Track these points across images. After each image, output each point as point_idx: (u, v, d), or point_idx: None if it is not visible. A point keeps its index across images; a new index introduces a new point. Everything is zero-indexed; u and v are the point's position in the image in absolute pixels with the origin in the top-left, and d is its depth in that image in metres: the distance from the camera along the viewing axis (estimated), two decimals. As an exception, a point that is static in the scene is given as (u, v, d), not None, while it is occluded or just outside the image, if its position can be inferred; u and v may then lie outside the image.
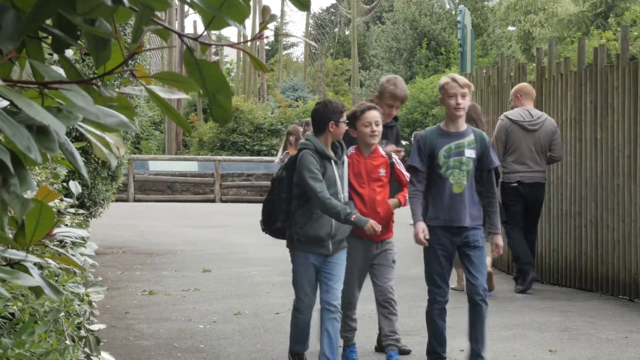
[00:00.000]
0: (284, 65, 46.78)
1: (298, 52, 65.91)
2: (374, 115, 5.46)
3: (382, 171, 5.53)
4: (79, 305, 3.50)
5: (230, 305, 7.73)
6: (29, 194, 1.28)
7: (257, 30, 1.35)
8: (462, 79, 5.34)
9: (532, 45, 29.23)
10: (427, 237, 5.24)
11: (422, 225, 5.28)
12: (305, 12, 45.82)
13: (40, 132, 1.11)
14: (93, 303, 3.69)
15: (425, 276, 5.46)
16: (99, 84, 1.26)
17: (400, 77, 6.29)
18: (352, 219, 5.09)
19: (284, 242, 9.35)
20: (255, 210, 13.83)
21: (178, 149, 30.23)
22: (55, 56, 1.33)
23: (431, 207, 5.33)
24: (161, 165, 24.72)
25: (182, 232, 14.74)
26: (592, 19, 27.95)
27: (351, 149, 5.58)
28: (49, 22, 1.26)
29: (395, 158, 5.66)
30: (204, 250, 12.07)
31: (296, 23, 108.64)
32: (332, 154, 5.30)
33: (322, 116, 5.29)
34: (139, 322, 6.99)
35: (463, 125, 5.39)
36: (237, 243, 12.94)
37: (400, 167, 5.65)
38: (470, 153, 5.31)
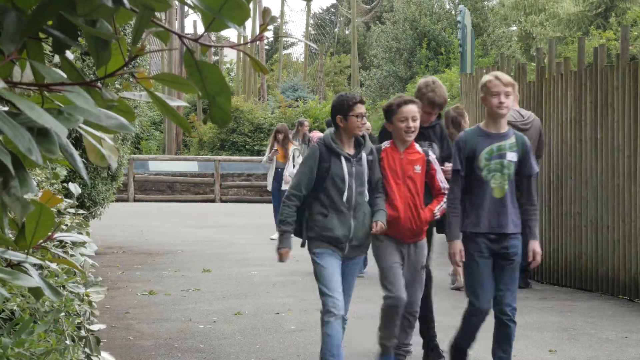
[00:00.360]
0: (284, 65, 46.80)
1: (298, 52, 65.95)
2: (411, 109, 5.12)
3: (418, 168, 5.20)
4: (79, 305, 3.51)
5: (230, 305, 7.73)
6: (29, 196, 1.28)
7: (257, 31, 1.35)
8: (505, 77, 5.01)
9: (532, 45, 29.22)
10: (463, 259, 4.98)
11: (459, 246, 4.99)
12: (305, 12, 45.82)
13: (41, 134, 1.11)
14: (93, 303, 3.69)
15: (465, 287, 5.15)
16: (100, 86, 1.26)
17: (438, 80, 5.84)
18: (278, 233, 5.07)
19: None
20: (255, 210, 13.87)
21: (178, 149, 30.23)
22: (56, 57, 1.34)
23: (471, 213, 5.02)
24: (161, 165, 24.72)
25: (182, 232, 14.74)
26: (592, 18, 27.95)
27: (386, 144, 5.27)
28: (49, 22, 1.26)
29: (432, 157, 5.29)
30: (204, 250, 12.08)
31: (296, 23, 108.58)
32: (343, 150, 4.99)
33: (333, 110, 5.05)
34: (139, 322, 6.99)
35: (505, 127, 5.07)
36: (237, 243, 12.95)
37: (436, 167, 5.28)
38: (511, 156, 5.01)
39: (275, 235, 13.30)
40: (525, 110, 8.87)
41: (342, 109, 4.96)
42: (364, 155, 5.04)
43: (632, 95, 8.02)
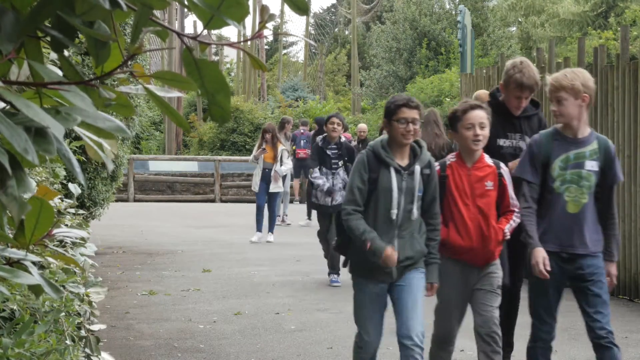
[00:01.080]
0: (284, 65, 46.81)
1: (298, 52, 65.96)
2: (479, 115, 4.49)
3: (489, 184, 4.54)
4: (79, 305, 3.51)
5: (230, 305, 7.73)
6: (27, 196, 1.28)
7: (257, 29, 1.35)
8: (558, 80, 4.35)
9: (532, 46, 29.22)
10: (548, 267, 4.35)
11: (541, 252, 4.34)
12: (305, 12, 45.80)
13: (38, 134, 1.11)
14: (93, 303, 3.70)
15: (529, 309, 4.64)
16: (97, 84, 1.26)
17: (527, 60, 5.14)
18: (367, 248, 4.21)
19: (283, 241, 9.20)
20: (255, 210, 13.82)
21: (178, 149, 30.23)
22: (53, 55, 1.34)
23: (540, 228, 4.41)
24: (161, 165, 24.71)
25: (182, 232, 14.74)
26: (593, 19, 27.96)
27: (451, 158, 4.65)
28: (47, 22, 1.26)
29: (505, 169, 4.63)
30: (204, 250, 12.08)
31: (296, 22, 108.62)
32: (393, 160, 4.30)
33: (384, 111, 4.39)
34: (139, 322, 6.99)
35: (585, 130, 4.38)
36: (237, 243, 12.94)
37: (508, 181, 4.60)
38: (591, 165, 4.34)
39: (255, 238, 13.18)
40: None
41: (387, 112, 4.34)
42: (417, 168, 4.32)
43: (632, 95, 8.03)
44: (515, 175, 4.58)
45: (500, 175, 4.58)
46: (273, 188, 12.90)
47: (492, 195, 4.54)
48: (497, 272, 4.64)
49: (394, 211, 4.26)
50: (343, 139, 9.48)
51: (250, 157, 13.30)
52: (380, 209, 4.29)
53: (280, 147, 12.98)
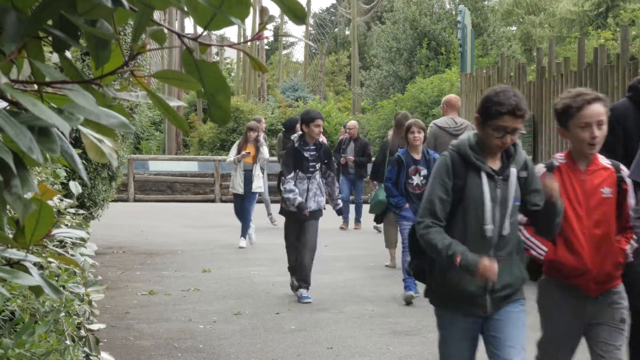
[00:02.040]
0: (284, 65, 46.85)
1: (298, 52, 65.97)
2: (596, 112, 3.63)
3: (607, 190, 3.73)
4: (79, 305, 3.51)
5: (230, 305, 7.74)
6: (28, 195, 1.29)
7: (257, 30, 1.35)
8: None
9: (532, 46, 29.24)
10: None
11: None
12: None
13: (42, 134, 1.12)
14: (93, 303, 3.70)
15: None
16: (101, 84, 1.26)
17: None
18: (457, 263, 3.38)
19: (283, 242, 9.23)
20: (255, 211, 13.80)
21: (178, 149, 30.24)
22: (55, 56, 1.34)
23: None
24: (161, 165, 24.72)
25: (182, 232, 14.74)
26: (593, 18, 27.98)
27: (560, 157, 3.83)
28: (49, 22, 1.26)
29: (625, 171, 3.83)
30: (204, 250, 12.08)
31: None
32: (485, 163, 3.51)
33: (481, 107, 3.54)
34: (139, 322, 6.99)
35: None
36: (237, 243, 12.94)
37: (629, 186, 3.82)
38: None
39: (243, 243, 12.79)
40: (460, 118, 9.28)
41: (484, 111, 3.49)
42: (512, 171, 3.53)
43: (632, 95, 8.02)
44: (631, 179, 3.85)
45: (620, 179, 3.78)
46: (255, 188, 12.52)
47: (610, 204, 3.75)
48: (622, 303, 3.79)
49: (489, 227, 3.47)
50: (322, 139, 8.63)
51: (231, 159, 12.67)
52: (472, 225, 3.50)
53: (262, 149, 12.70)
